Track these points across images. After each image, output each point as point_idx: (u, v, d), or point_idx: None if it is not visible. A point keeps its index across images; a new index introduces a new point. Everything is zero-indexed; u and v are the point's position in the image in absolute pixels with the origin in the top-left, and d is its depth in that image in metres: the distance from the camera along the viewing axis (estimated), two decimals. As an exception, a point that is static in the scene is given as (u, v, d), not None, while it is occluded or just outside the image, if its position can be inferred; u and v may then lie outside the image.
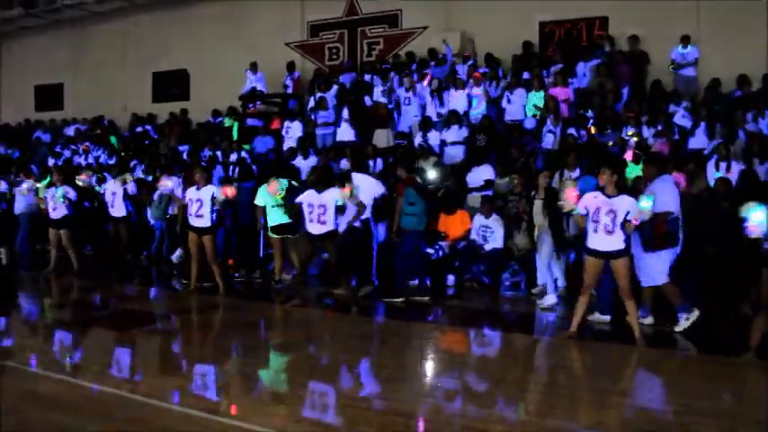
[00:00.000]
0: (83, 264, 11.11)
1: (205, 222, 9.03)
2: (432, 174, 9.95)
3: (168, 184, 9.78)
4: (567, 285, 8.69)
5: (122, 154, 15.17)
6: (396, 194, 9.26)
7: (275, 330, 8.08)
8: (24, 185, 11.83)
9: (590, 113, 11.86)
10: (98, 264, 11.75)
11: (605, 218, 6.48)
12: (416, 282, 9.22)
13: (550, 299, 8.41)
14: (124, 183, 10.70)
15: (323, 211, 7.91)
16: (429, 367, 6.39)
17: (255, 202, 9.71)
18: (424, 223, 9.02)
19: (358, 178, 8.49)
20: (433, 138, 12.30)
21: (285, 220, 9.24)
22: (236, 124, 14.69)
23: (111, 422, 4.74)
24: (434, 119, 12.85)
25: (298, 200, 8.08)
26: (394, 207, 9.18)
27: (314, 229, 7.95)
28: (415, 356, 6.68)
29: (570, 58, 13.24)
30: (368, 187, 8.62)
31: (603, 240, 6.52)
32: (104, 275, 10.81)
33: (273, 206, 9.41)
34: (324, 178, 8.08)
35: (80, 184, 11.00)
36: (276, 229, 9.56)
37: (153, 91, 19.15)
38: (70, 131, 18.80)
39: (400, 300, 8.72)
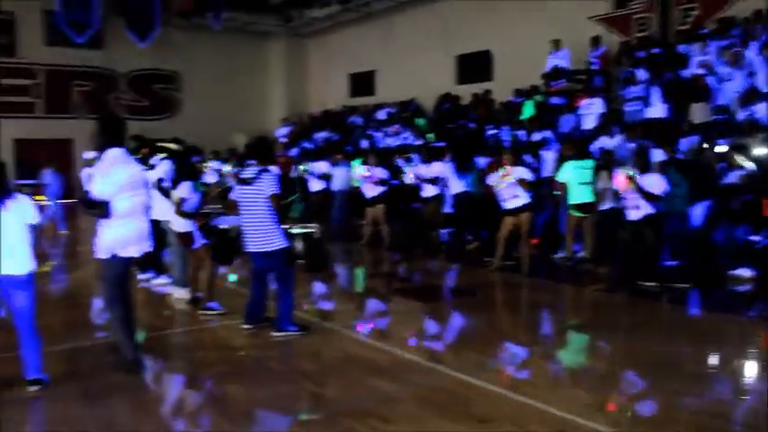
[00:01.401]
0: (393, 239, 11.87)
1: (521, 202, 9.05)
2: (761, 151, 8.84)
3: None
4: None
5: (428, 136, 15.83)
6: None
7: (578, 313, 7.86)
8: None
9: None
10: (407, 240, 12.43)
11: None
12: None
13: None
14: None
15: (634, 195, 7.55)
16: (747, 365, 5.72)
17: (558, 178, 9.58)
18: (687, 205, 8.52)
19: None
20: (762, 110, 10.88)
21: (590, 198, 8.99)
22: (528, 103, 14.49)
23: (418, 388, 4.94)
24: (765, 89, 11.36)
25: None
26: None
27: (632, 215, 7.66)
28: (730, 352, 6.01)
29: None
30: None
31: None
32: (412, 251, 11.44)
33: (580, 183, 9.27)
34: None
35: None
36: (580, 207, 9.35)
37: (457, 73, 19.69)
38: (382, 115, 20.11)
39: (654, 284, 8.08)
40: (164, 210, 7.70)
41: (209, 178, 16.77)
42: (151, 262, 8.92)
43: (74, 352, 5.94)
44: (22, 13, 21.94)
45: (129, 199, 5.13)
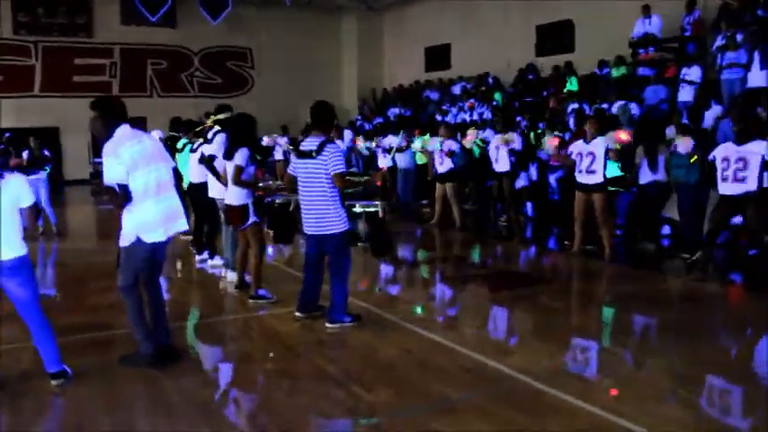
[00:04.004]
0: (464, 219, 11.12)
1: (597, 178, 8.17)
2: None
3: (554, 142, 9.20)
4: None
5: (503, 111, 14.90)
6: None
7: (668, 307, 6.78)
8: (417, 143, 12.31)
9: None
10: (479, 220, 11.65)
11: None
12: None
13: None
14: (506, 142, 10.34)
15: (742, 165, 6.50)
16: None
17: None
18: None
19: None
20: None
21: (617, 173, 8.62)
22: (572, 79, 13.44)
23: (482, 397, 4.24)
24: None
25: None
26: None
27: (728, 189, 6.63)
28: None
29: None
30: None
31: None
32: (484, 232, 10.67)
33: None
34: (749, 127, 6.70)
35: (466, 145, 10.93)
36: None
37: (536, 45, 18.58)
38: (456, 89, 19.31)
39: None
40: (218, 187, 7.24)
41: (277, 155, 16.43)
42: (207, 242, 8.51)
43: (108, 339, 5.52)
44: (99, -8, 22.09)
45: (147, 176, 4.60)
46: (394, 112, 20.11)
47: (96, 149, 22.06)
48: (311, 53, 24.39)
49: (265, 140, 15.36)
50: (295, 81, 23.66)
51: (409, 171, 12.94)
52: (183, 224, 4.89)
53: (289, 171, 5.82)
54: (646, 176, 8.50)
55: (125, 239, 4.68)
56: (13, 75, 21.24)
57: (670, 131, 9.27)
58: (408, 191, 13.00)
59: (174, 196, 4.83)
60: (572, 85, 14.76)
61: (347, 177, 5.74)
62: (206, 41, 23.82)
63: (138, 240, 4.63)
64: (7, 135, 14.21)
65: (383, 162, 13.02)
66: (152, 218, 4.63)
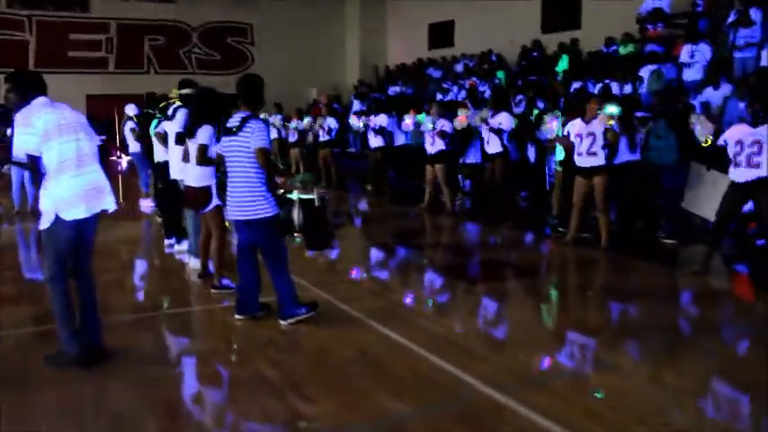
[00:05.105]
0: (455, 202, 10.55)
1: (599, 160, 7.57)
2: None
3: (553, 125, 8.63)
4: None
5: (497, 89, 14.22)
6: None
7: (666, 305, 6.05)
8: (407, 120, 11.74)
9: None
10: (472, 203, 11.05)
11: None
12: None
13: None
14: (483, 121, 9.72)
15: (757, 149, 5.95)
16: None
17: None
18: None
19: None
20: None
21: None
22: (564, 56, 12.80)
23: (440, 414, 3.69)
24: None
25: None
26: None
27: (741, 175, 6.07)
28: None
29: None
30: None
31: None
32: (477, 216, 10.08)
33: None
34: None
35: (457, 126, 10.31)
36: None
37: (542, 21, 17.83)
38: (459, 67, 18.66)
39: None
40: (179, 167, 6.69)
41: (272, 134, 15.90)
42: (174, 226, 7.99)
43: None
44: (95, -34, 21.52)
45: (62, 147, 4.09)
46: (394, 90, 19.47)
47: (91, 126, 21.66)
48: (313, 29, 23.71)
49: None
50: (296, 58, 23.06)
51: (403, 150, 12.33)
52: (109, 202, 4.36)
53: (217, 150, 5.34)
54: (623, 156, 7.84)
55: (44, 221, 4.16)
56: (7, 49, 20.76)
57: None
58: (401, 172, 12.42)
59: (97, 171, 4.32)
60: (563, 63, 14.06)
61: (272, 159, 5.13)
62: (205, 17, 23.25)
63: (57, 219, 4.11)
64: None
65: (374, 142, 12.45)
66: (70, 193, 4.12)
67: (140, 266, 7.79)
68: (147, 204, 11.15)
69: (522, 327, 5.41)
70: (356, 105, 17.71)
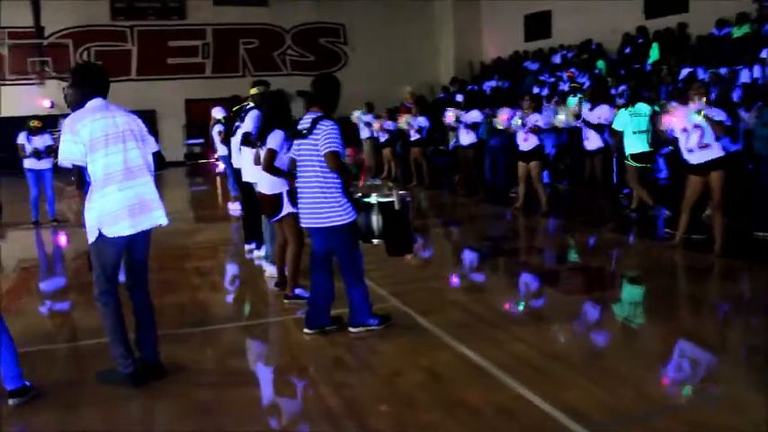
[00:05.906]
0: (552, 201, 9.85)
1: (713, 154, 6.72)
2: None
3: (503, 117, 8.30)
4: None
5: (597, 80, 13.33)
6: None
7: None
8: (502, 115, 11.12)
9: None
10: (571, 201, 10.30)
11: None
12: None
13: None
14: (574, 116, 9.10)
15: None
16: None
17: (613, 126, 8.62)
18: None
19: None
20: None
21: (646, 148, 8.25)
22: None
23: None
24: None
25: None
26: None
27: None
28: None
29: None
30: None
31: None
32: (573, 216, 9.36)
33: (635, 132, 8.36)
34: None
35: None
36: (636, 157, 8.41)
37: (645, 6, 16.68)
38: (557, 59, 17.81)
39: None
40: (251, 171, 6.41)
41: (363, 134, 15.58)
42: (253, 231, 7.73)
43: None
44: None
45: (108, 158, 3.83)
46: (490, 84, 18.79)
47: (189, 130, 22.19)
48: (405, 26, 23.35)
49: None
50: (389, 56, 22.84)
51: (496, 148, 11.64)
52: (158, 217, 4.06)
53: (290, 154, 5.00)
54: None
55: (90, 235, 3.93)
56: (111, 59, 21.46)
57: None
58: (497, 171, 11.73)
59: (146, 183, 4.03)
60: (654, 53, 13.01)
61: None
62: (297, 19, 23.33)
63: (101, 235, 3.86)
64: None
65: (466, 139, 11.88)
66: (115, 207, 3.86)
67: (219, 273, 7.58)
68: (234, 207, 11.05)
69: (623, 349, 4.74)
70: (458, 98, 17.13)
